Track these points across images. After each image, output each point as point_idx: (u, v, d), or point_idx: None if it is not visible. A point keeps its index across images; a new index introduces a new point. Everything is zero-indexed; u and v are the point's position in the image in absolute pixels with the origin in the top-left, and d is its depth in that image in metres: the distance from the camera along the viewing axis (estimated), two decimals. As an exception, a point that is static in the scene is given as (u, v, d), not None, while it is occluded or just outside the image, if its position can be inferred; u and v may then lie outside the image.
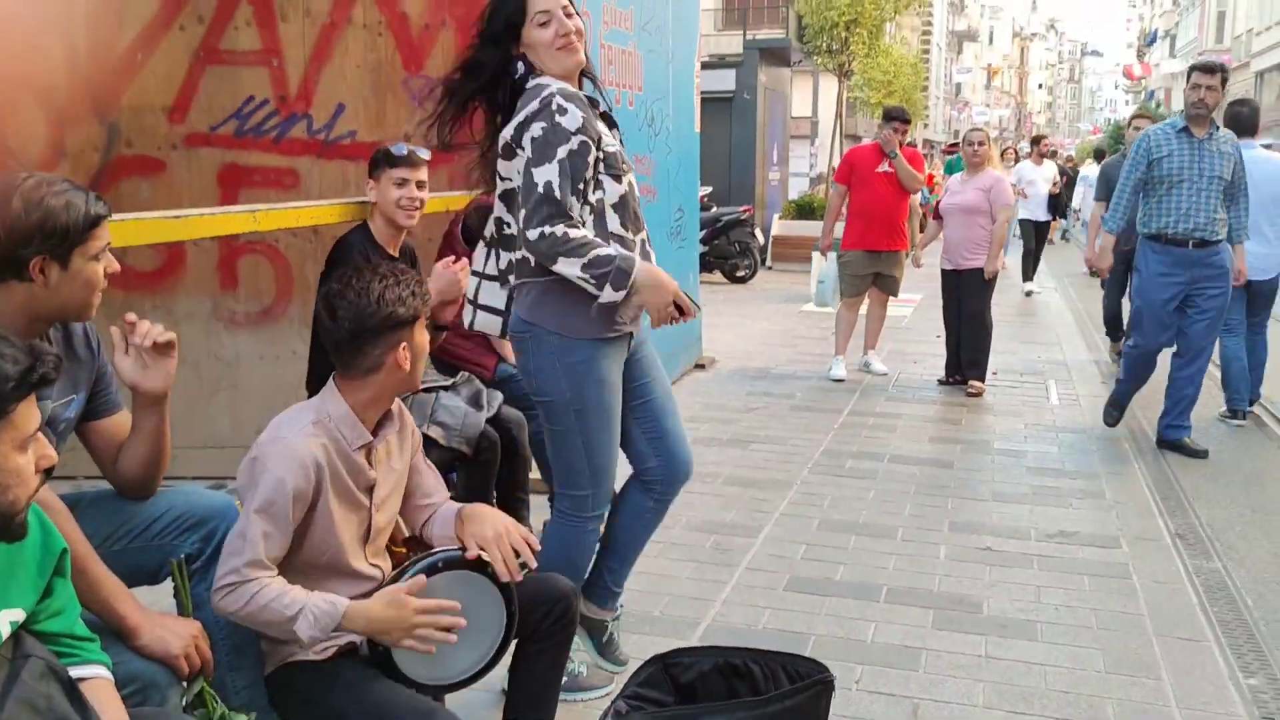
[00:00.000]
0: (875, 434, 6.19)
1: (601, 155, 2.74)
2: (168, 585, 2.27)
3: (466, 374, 3.89)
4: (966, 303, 7.36)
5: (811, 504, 4.92)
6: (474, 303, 2.99)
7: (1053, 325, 10.67)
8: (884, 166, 7.51)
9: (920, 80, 32.06)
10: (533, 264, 2.72)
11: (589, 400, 2.80)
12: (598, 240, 2.67)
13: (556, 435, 2.88)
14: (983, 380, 7.35)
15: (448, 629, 2.12)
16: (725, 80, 17.52)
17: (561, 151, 2.65)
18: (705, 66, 9.71)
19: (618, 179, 2.78)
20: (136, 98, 5.04)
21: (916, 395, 7.29)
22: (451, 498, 2.53)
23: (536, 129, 2.66)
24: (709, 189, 13.82)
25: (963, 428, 6.42)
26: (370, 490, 2.27)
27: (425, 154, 3.66)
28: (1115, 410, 6.47)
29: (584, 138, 2.68)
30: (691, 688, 2.30)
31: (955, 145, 20.86)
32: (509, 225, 2.85)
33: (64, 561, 1.71)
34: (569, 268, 2.62)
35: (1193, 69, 6.02)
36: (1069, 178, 18.14)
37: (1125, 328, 7.04)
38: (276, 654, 2.23)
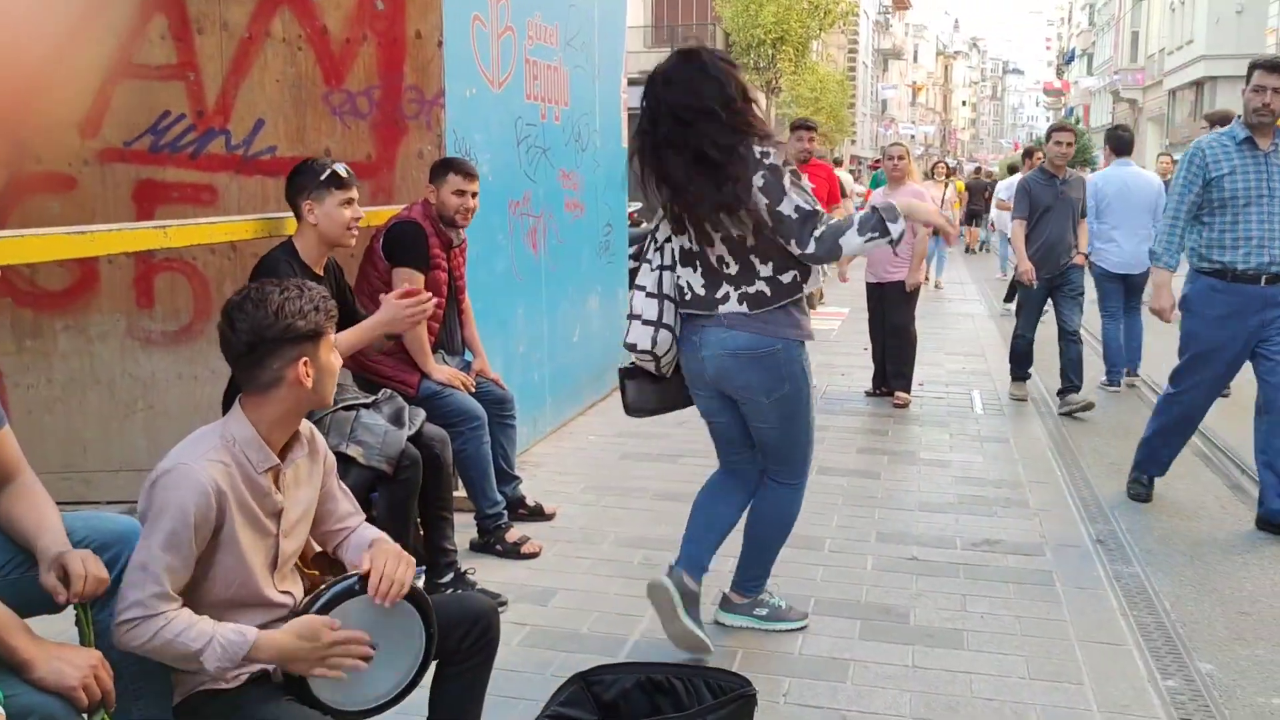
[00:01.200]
0: (804, 446, 6.20)
1: None
2: (70, 612, 2.19)
3: (389, 391, 3.83)
4: (890, 315, 7.44)
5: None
6: (657, 323, 3.44)
7: (976, 336, 10.84)
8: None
9: (847, 97, 32.55)
10: (769, 294, 3.29)
11: (810, 387, 3.47)
12: (836, 219, 3.27)
13: (795, 423, 3.47)
14: (908, 391, 7.43)
15: (362, 657, 2.08)
16: (654, 97, 17.58)
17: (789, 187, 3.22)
18: (633, 83, 9.72)
19: None
20: (46, 113, 4.90)
21: (844, 407, 7.34)
22: (372, 517, 2.48)
23: (758, 179, 3.20)
24: (638, 205, 13.83)
25: (889, 438, 6.47)
26: (278, 516, 2.21)
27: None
28: (1146, 485, 5.51)
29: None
30: (614, 706, 2.27)
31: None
32: (728, 264, 3.31)
33: (-49, 591, 1.63)
34: (853, 241, 3.21)
35: (1254, 67, 4.92)
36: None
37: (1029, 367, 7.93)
38: (185, 683, 2.16)
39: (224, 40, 4.93)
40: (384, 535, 2.32)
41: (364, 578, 2.16)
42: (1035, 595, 4.04)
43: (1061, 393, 7.51)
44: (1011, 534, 4.72)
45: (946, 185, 15.06)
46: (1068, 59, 79.56)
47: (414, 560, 2.22)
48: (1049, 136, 7.77)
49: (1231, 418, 6.84)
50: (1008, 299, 13.11)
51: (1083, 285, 7.62)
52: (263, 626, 2.07)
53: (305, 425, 2.33)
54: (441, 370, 4.23)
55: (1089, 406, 7.40)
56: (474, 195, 4.35)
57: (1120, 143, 8.25)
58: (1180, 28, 39.57)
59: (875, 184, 14.47)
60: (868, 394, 7.68)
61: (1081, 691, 3.29)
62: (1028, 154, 13.02)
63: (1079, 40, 73.43)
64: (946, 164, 16.91)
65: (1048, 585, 4.14)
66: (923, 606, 3.93)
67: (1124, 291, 8.14)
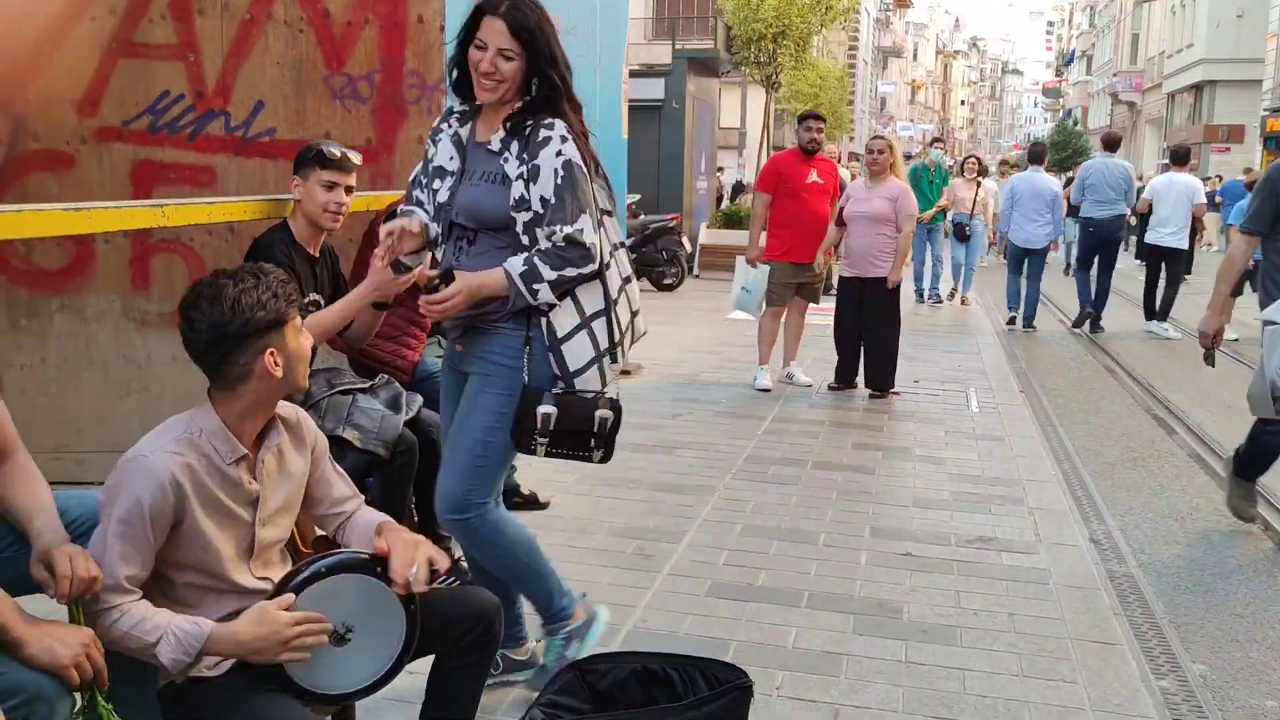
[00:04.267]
0: (799, 440, 6.21)
1: (429, 160, 2.99)
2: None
3: (386, 377, 3.81)
4: (873, 312, 7.40)
5: (734, 509, 4.91)
6: None
7: (972, 334, 10.84)
8: (814, 177, 7.53)
9: (846, 93, 32.53)
10: None
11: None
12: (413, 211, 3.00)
13: None
14: (891, 386, 7.43)
15: (334, 642, 2.08)
16: (654, 89, 17.60)
17: None
18: (634, 75, 9.71)
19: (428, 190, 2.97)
20: (44, 90, 4.86)
21: (839, 402, 7.33)
22: (367, 502, 2.45)
23: None
24: (637, 197, 13.84)
25: (884, 435, 6.47)
26: (254, 504, 2.18)
27: (357, 158, 3.66)
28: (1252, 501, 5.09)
29: (429, 139, 3.00)
30: (609, 695, 2.26)
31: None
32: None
33: (-57, 567, 1.62)
34: None
35: None
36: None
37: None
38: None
39: (224, 21, 4.89)
40: (390, 520, 2.29)
41: (374, 559, 2.14)
42: (1029, 593, 4.03)
43: None
44: (1006, 532, 4.72)
45: (979, 185, 13.48)
46: (1067, 60, 79.62)
47: (427, 541, 2.20)
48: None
49: (1227, 419, 6.86)
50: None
51: None
52: (237, 614, 2.05)
53: (290, 409, 2.29)
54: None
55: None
56: None
57: (1036, 154, 12.65)
58: (1180, 31, 39.60)
59: (911, 180, 13.20)
60: (830, 388, 7.66)
61: (1075, 690, 3.28)
62: (1037, 158, 12.50)
63: (1079, 42, 73.47)
64: (979, 160, 14.34)
65: (1042, 583, 4.13)
66: (916, 602, 3.93)
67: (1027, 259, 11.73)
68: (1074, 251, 14.41)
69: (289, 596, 2.05)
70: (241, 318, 2.05)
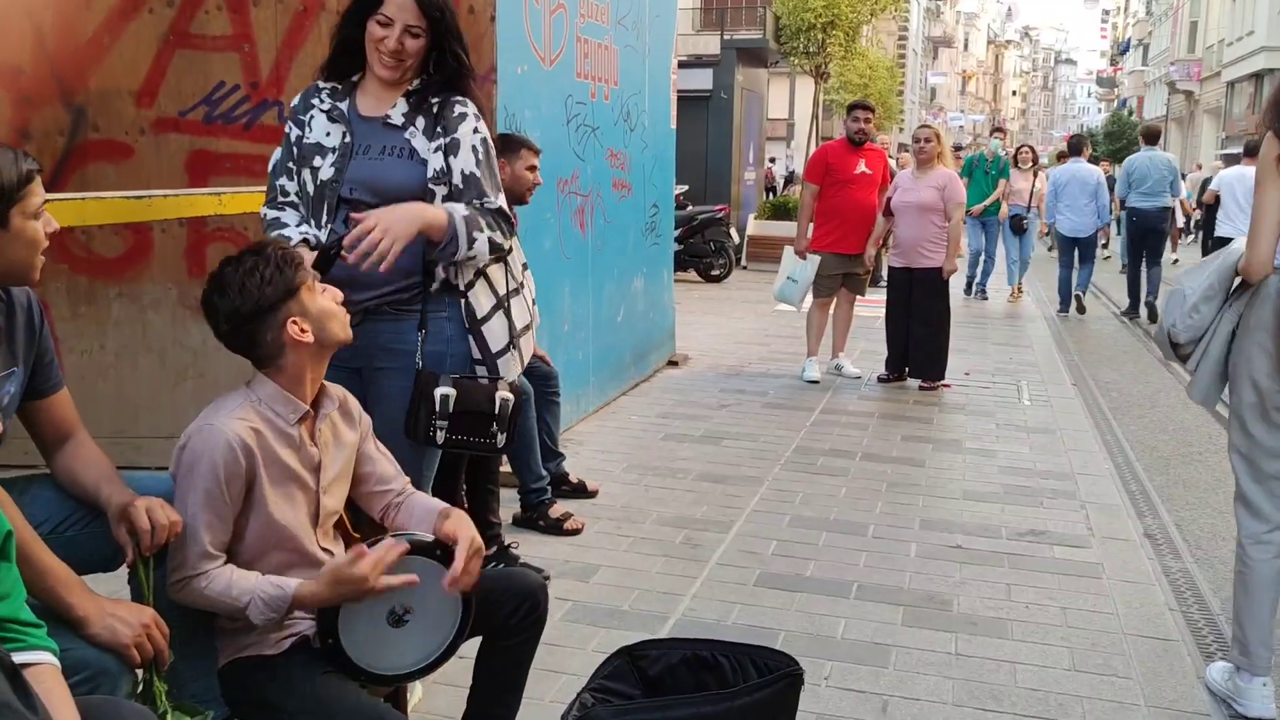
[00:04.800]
0: (847, 432, 6.18)
1: (295, 142, 2.76)
2: (123, 571, 2.21)
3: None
4: (923, 302, 7.33)
5: (783, 500, 4.89)
6: None
7: (1024, 325, 10.71)
8: (862, 168, 7.47)
9: (896, 84, 32.24)
10: None
11: None
12: (283, 222, 2.71)
13: None
14: (942, 378, 7.36)
15: (392, 623, 2.12)
16: (702, 79, 17.52)
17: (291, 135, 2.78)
18: (682, 65, 9.68)
19: (303, 171, 2.75)
20: (103, 81, 4.95)
21: (889, 394, 7.28)
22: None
23: None
24: (685, 187, 13.79)
25: (934, 427, 6.41)
26: (316, 470, 2.22)
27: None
28: None
29: (291, 121, 2.77)
30: (659, 680, 2.26)
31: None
32: None
33: (8, 545, 1.65)
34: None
35: None
36: None
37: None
38: (229, 647, 2.18)
39: (279, 12, 4.95)
40: (454, 509, 2.29)
41: (438, 543, 2.17)
42: (1082, 587, 3.99)
43: None
44: (1058, 525, 4.66)
45: (1036, 175, 13.01)
46: (1123, 49, 78.28)
47: (484, 550, 2.21)
48: None
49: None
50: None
51: None
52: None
53: (337, 388, 2.32)
54: None
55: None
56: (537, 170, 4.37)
57: (1075, 145, 12.39)
58: (1241, 18, 38.75)
59: (966, 172, 12.21)
60: (880, 380, 7.61)
61: (1129, 686, 3.24)
62: (1076, 149, 12.26)
63: (1135, 30, 72.16)
64: (1033, 149, 13.79)
65: (1095, 578, 4.08)
66: (966, 595, 3.90)
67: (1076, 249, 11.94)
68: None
69: (402, 546, 2.09)
70: (251, 298, 2.09)
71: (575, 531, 4.37)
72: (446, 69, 2.74)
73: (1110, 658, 3.42)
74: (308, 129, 2.74)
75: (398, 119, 2.72)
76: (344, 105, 2.74)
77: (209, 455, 2.06)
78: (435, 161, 2.67)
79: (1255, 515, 3.14)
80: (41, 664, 1.62)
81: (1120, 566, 4.20)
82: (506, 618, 2.35)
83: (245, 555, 2.15)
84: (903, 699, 3.13)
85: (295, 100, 2.81)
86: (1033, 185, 12.81)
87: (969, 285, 12.95)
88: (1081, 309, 12.12)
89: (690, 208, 14.03)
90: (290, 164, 2.76)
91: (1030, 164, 13.09)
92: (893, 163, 11.92)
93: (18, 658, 1.56)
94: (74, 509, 2.13)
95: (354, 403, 2.37)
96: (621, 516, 4.63)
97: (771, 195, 18.51)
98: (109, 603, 1.93)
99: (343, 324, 2.24)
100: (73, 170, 4.93)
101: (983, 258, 12.91)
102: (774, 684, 2.12)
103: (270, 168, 2.81)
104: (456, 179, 2.68)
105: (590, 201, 6.16)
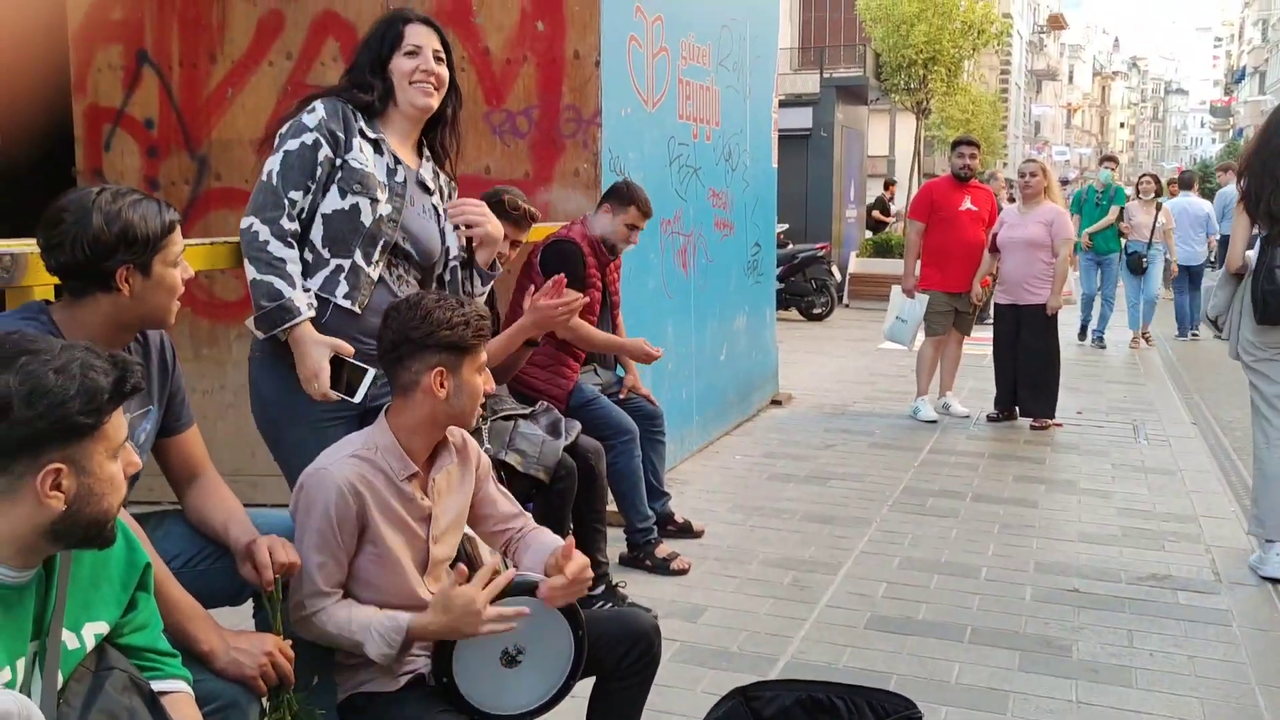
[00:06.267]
0: (957, 472, 6.05)
1: (340, 164, 2.68)
2: (248, 606, 2.28)
3: (545, 403, 3.88)
4: (1031, 339, 7.16)
5: (892, 542, 4.81)
6: None
7: (1138, 362, 10.39)
8: (968, 204, 7.37)
9: (999, 119, 31.75)
10: None
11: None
12: (291, 262, 2.60)
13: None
14: (1052, 416, 7.18)
15: (505, 663, 2.14)
16: (802, 118, 17.53)
17: (292, 144, 2.65)
18: (782, 105, 9.69)
19: (344, 194, 2.68)
20: (225, 131, 5.16)
21: (999, 433, 7.12)
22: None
23: (285, 124, 2.71)
24: (786, 226, 13.75)
25: (1047, 467, 6.25)
26: (427, 520, 2.25)
27: (536, 217, 3.94)
28: None
29: (318, 135, 2.65)
30: (773, 723, 2.23)
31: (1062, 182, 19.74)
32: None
33: (147, 576, 1.72)
34: (249, 271, 2.61)
35: None
36: None
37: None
38: (348, 681, 2.22)
39: (391, 62, 5.10)
40: (566, 544, 2.30)
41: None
42: (1210, 635, 3.82)
43: None
44: (1182, 569, 4.49)
45: (1159, 208, 11.47)
46: (1237, 78, 76.03)
47: (590, 577, 2.22)
48: None
49: None
50: None
51: None
52: None
53: (456, 432, 2.36)
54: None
55: None
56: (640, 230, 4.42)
57: (1185, 180, 13.65)
58: (1362, 44, 37.31)
59: (1075, 207, 11.38)
60: (989, 419, 7.44)
61: (1264, 738, 3.09)
62: (1187, 184, 12.54)
63: (1250, 58, 70.07)
64: (1156, 178, 12.22)
65: (1224, 625, 3.91)
66: (1086, 640, 3.77)
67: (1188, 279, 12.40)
68: None
69: (461, 569, 2.12)
70: (426, 328, 2.15)
71: (682, 571, 4.35)
72: (451, 105, 2.84)
73: (1243, 708, 3.27)
74: (352, 151, 2.67)
75: (429, 181, 2.82)
76: (385, 142, 2.74)
77: (322, 498, 2.12)
78: (450, 239, 2.86)
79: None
80: (177, 692, 1.68)
81: (1251, 613, 4.03)
82: (619, 659, 2.34)
83: (361, 595, 2.19)
84: (1022, 748, 3.03)
85: (317, 112, 2.68)
86: (1155, 219, 11.34)
87: (1083, 330, 11.83)
88: (1195, 330, 12.50)
89: (791, 246, 13.99)
90: (310, 181, 2.65)
91: (1153, 194, 11.61)
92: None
93: (156, 686, 1.62)
94: (204, 545, 2.20)
95: (473, 446, 2.41)
96: (728, 557, 4.60)
97: (884, 228, 18.20)
98: (232, 635, 1.98)
99: (473, 410, 2.26)
100: (196, 218, 5.13)
101: (1099, 301, 11.56)
102: (892, 728, 2.08)
103: (272, 175, 2.65)
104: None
105: (693, 241, 6.19)
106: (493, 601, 2.08)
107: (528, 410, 3.73)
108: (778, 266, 10.57)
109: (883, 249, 16.43)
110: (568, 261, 4.22)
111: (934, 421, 7.37)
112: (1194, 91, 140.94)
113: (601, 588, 3.86)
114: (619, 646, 2.33)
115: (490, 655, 2.17)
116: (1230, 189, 13.26)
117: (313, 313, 2.61)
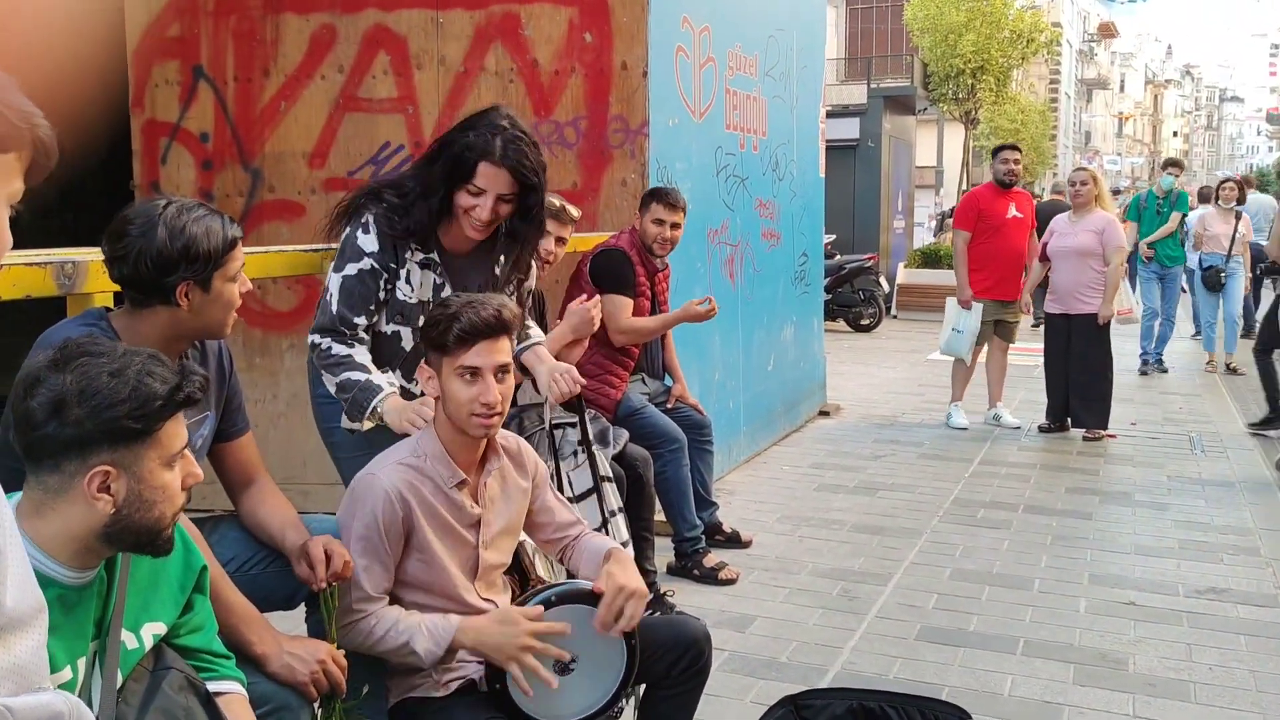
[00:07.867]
0: (1008, 483, 5.98)
1: (387, 293, 2.79)
2: (301, 610, 2.29)
3: (593, 412, 3.88)
4: (1082, 349, 7.06)
5: (942, 553, 4.76)
6: None
7: (1192, 372, 10.21)
8: (1013, 211, 7.30)
9: (1049, 128, 31.45)
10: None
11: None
12: (358, 354, 2.71)
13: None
14: (1104, 427, 7.07)
15: (559, 660, 2.11)
16: (849, 128, 17.46)
17: (350, 269, 2.77)
18: (829, 115, 9.66)
19: (389, 321, 2.85)
20: (278, 144, 5.24)
21: (1051, 444, 7.03)
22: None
23: (347, 230, 2.82)
24: (833, 236, 13.70)
25: (1101, 478, 6.15)
26: (476, 526, 2.26)
27: (575, 212, 3.96)
28: None
29: (374, 263, 2.76)
30: (824, 732, 2.22)
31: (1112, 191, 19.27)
32: None
33: (204, 579, 1.74)
34: (328, 384, 2.72)
35: None
36: None
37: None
38: (399, 686, 2.23)
39: (440, 75, 5.16)
40: (618, 548, 2.30)
41: (594, 592, 2.18)
42: (1271, 649, 3.74)
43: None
44: (1241, 583, 4.40)
45: (1239, 217, 10.30)
46: (1293, 85, 74.60)
47: (646, 593, 2.22)
48: None
49: None
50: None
51: None
52: None
53: (511, 438, 2.37)
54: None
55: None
56: (674, 226, 4.35)
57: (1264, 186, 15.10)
58: None
59: (1133, 214, 10.35)
60: (1041, 430, 7.34)
61: (1329, 755, 3.02)
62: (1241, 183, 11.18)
63: (1306, 65, 68.75)
64: (1239, 183, 11.01)
65: (1285, 639, 3.83)
66: (1143, 654, 3.70)
67: None
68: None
69: (538, 608, 2.12)
70: (452, 328, 2.18)
71: (730, 581, 4.34)
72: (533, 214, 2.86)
73: (1307, 725, 3.19)
74: (408, 285, 2.80)
75: (496, 269, 2.92)
76: (434, 252, 2.82)
77: (369, 504, 2.14)
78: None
79: None
80: (232, 694, 1.70)
81: (1313, 628, 3.93)
82: (669, 667, 2.33)
83: (407, 599, 2.20)
84: (1078, 762, 2.98)
85: (371, 235, 2.77)
86: (1234, 228, 10.16)
87: (1144, 361, 10.28)
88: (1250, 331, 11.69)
89: (839, 257, 13.92)
90: (372, 305, 2.78)
91: (1233, 202, 10.26)
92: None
93: (211, 686, 1.64)
94: (258, 549, 2.23)
95: (528, 452, 2.41)
96: (776, 567, 4.57)
97: (939, 223, 18.02)
98: (286, 639, 2.00)
99: (496, 426, 2.23)
100: (250, 229, 5.20)
101: (1159, 322, 10.30)
102: (946, 738, 2.06)
103: (332, 300, 2.75)
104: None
105: (740, 251, 6.18)
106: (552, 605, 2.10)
107: (575, 419, 3.73)
108: (825, 277, 10.51)
109: (931, 260, 16.31)
110: (617, 269, 4.23)
111: (965, 428, 7.30)
112: (1250, 99, 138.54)
113: (650, 596, 3.84)
114: (669, 654, 2.33)
115: (543, 662, 2.17)
116: (1261, 197, 13.74)
117: (394, 389, 2.67)
